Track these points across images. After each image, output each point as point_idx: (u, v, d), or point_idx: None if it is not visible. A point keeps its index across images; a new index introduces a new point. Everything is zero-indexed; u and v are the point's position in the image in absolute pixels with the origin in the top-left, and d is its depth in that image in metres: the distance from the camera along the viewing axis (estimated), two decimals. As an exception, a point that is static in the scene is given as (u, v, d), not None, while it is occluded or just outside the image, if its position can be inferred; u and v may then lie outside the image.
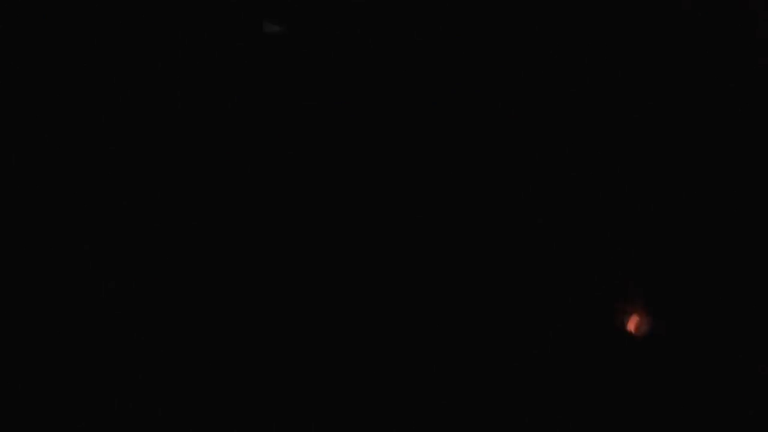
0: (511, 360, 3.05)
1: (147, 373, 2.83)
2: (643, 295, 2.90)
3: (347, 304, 3.19)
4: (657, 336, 2.82)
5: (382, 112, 3.25)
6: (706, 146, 3.09)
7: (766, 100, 3.14)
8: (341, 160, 3.22)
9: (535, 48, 3.29)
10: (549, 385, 2.91)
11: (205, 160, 3.11)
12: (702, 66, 3.22)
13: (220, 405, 2.89)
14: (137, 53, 3.06)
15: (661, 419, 2.77)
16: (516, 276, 3.11)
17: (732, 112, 3.16)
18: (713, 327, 2.80)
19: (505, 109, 3.25)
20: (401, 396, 3.03)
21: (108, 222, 2.95)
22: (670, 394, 2.78)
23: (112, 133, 3.02)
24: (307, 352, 3.07)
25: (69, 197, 2.91)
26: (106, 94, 3.01)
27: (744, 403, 2.69)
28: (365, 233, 3.24)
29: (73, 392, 2.72)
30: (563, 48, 3.25)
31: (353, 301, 3.20)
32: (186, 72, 3.08)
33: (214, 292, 3.02)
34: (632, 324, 2.81)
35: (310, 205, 3.21)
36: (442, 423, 2.98)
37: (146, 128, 3.06)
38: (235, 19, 3.10)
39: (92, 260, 2.89)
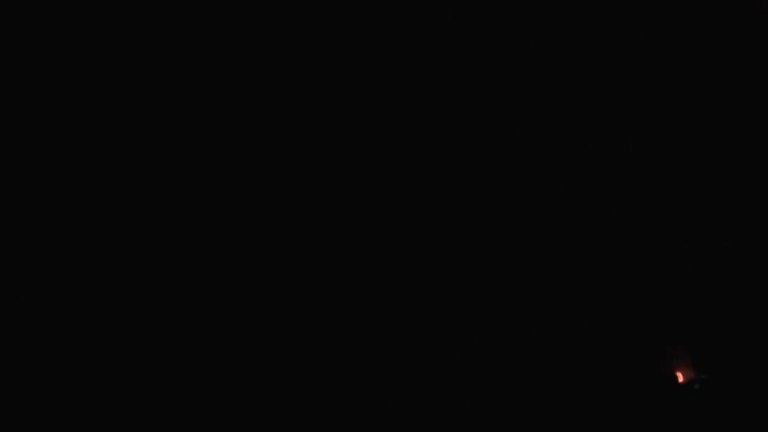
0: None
1: (146, 373, 2.84)
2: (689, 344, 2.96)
3: (347, 304, 3.19)
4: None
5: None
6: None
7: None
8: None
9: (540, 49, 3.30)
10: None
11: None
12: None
13: (218, 405, 2.90)
14: None
15: None
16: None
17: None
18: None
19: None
20: (402, 395, 3.04)
21: (110, 222, 2.95)
22: None
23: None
24: (305, 352, 3.08)
25: (69, 197, 2.91)
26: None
27: None
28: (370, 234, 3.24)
29: (73, 392, 2.73)
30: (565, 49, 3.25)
31: (353, 301, 3.20)
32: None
33: (212, 293, 3.03)
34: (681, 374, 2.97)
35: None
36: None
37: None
38: None
39: (93, 259, 2.89)
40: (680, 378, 2.92)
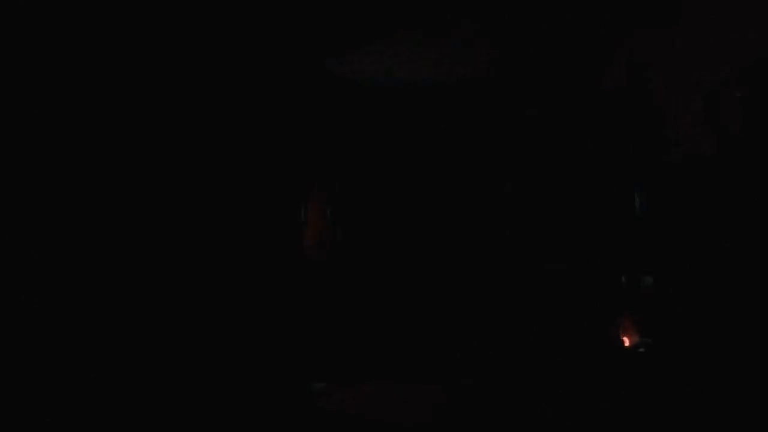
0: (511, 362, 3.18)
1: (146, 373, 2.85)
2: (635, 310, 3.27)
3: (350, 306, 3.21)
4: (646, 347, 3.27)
5: None
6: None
7: None
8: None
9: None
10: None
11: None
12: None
13: (216, 404, 2.91)
14: None
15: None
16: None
17: None
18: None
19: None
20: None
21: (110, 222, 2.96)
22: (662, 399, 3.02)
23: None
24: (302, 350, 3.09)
25: (69, 197, 2.92)
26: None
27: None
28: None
29: (73, 392, 2.73)
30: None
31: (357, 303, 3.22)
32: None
33: (211, 292, 3.04)
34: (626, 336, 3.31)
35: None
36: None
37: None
38: None
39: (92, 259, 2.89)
40: (626, 342, 3.29)
